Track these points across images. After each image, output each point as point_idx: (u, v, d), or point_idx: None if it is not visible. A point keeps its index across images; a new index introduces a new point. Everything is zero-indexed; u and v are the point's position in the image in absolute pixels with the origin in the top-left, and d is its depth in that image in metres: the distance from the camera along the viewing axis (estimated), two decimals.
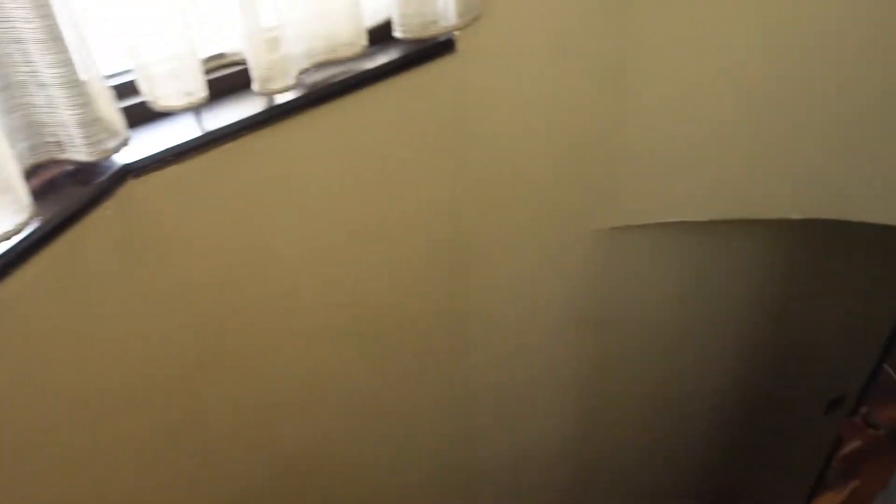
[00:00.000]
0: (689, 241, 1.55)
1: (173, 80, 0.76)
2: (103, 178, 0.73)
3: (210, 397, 1.02)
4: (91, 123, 0.68)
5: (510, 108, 1.11)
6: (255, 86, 0.82)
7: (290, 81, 0.84)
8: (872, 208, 1.31)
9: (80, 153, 0.69)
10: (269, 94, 0.85)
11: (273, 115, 0.86)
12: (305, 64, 0.88)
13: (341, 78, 0.91)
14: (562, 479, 1.93)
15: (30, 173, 0.70)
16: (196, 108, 0.81)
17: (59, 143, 0.70)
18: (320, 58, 0.89)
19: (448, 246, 1.22)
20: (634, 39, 1.13)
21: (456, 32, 0.97)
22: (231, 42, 0.85)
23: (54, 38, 0.62)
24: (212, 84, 0.80)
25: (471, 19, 0.94)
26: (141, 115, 0.80)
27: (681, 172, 1.31)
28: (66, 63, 0.64)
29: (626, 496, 2.24)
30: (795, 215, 1.36)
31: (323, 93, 0.89)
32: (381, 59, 0.95)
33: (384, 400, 1.35)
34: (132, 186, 0.77)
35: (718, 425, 2.24)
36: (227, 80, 0.87)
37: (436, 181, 1.12)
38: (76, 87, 0.65)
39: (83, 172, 0.74)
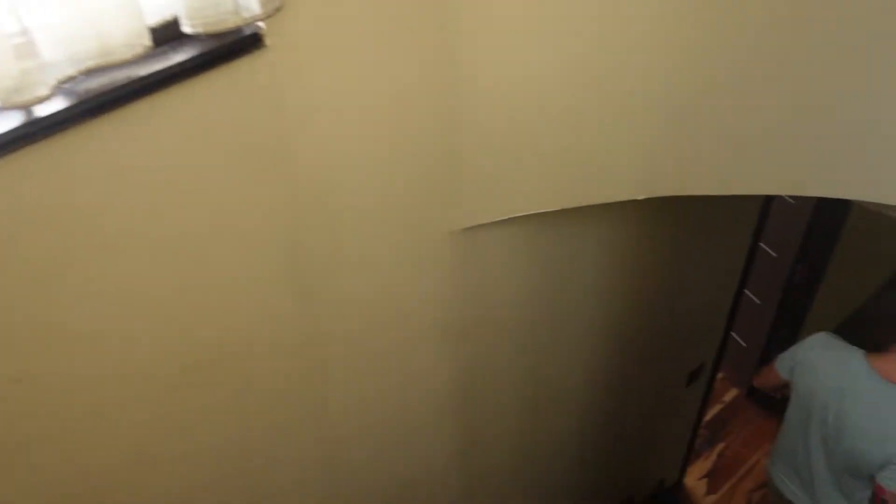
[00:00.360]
0: (544, 233, 1.51)
1: None
2: None
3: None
4: None
5: (335, 108, 0.99)
6: None
7: (45, 91, 0.67)
8: (711, 181, 1.34)
9: None
10: (19, 108, 0.68)
11: (33, 132, 0.69)
12: (71, 71, 0.72)
13: (122, 83, 0.75)
14: (449, 499, 1.83)
15: None
16: None
17: None
18: (91, 63, 0.74)
19: (288, 268, 1.08)
20: (462, 28, 1.06)
21: (261, 24, 0.85)
22: None
23: None
24: None
25: (274, 8, 0.82)
26: None
27: (522, 164, 1.26)
28: None
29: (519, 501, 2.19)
30: (641, 195, 1.36)
31: (97, 102, 0.73)
32: (174, 59, 0.80)
33: (246, 445, 1.20)
34: None
35: (596, 416, 2.25)
36: None
37: (261, 200, 0.98)
38: None
39: None
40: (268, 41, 0.86)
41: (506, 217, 1.33)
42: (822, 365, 1.91)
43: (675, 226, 1.95)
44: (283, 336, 1.15)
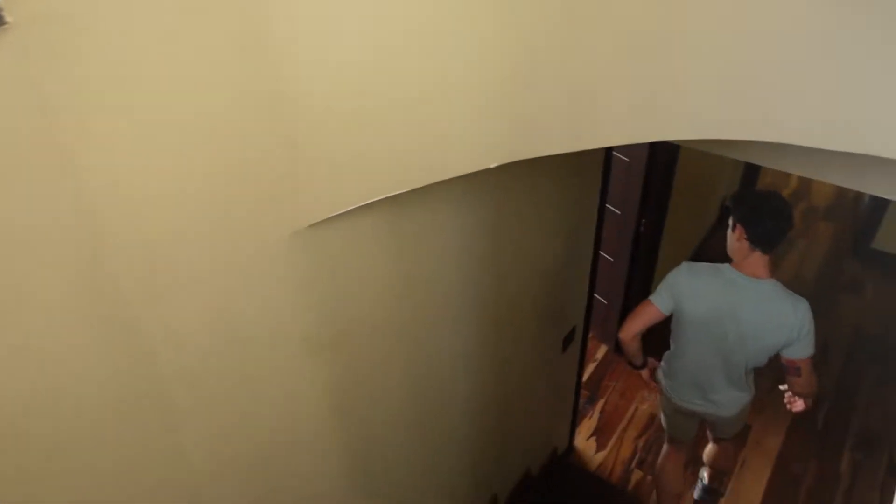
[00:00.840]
0: (400, 219, 1.40)
1: None
2: None
3: None
4: None
5: (122, 101, 0.81)
6: None
7: None
8: (558, 138, 1.29)
9: None
10: None
11: None
12: None
13: None
14: None
15: None
16: None
17: None
18: None
19: (97, 302, 0.88)
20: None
21: None
22: None
23: None
24: None
25: None
26: None
27: (364, 147, 1.14)
28: None
29: None
30: (493, 163, 1.29)
31: None
32: None
33: None
34: None
35: (482, 398, 2.19)
36: None
37: (39, 224, 0.78)
38: None
39: None
40: (8, 17, 0.67)
41: (353, 206, 1.20)
42: (703, 288, 2.15)
43: (529, 194, 1.92)
44: (106, 384, 0.95)
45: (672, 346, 2.42)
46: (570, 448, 3.48)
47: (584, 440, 3.55)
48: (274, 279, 1.15)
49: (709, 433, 2.86)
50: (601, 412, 3.70)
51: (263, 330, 1.18)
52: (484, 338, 2.03)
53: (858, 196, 5.11)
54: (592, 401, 3.76)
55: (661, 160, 3.14)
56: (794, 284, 2.57)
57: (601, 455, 3.48)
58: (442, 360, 1.86)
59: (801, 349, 2.12)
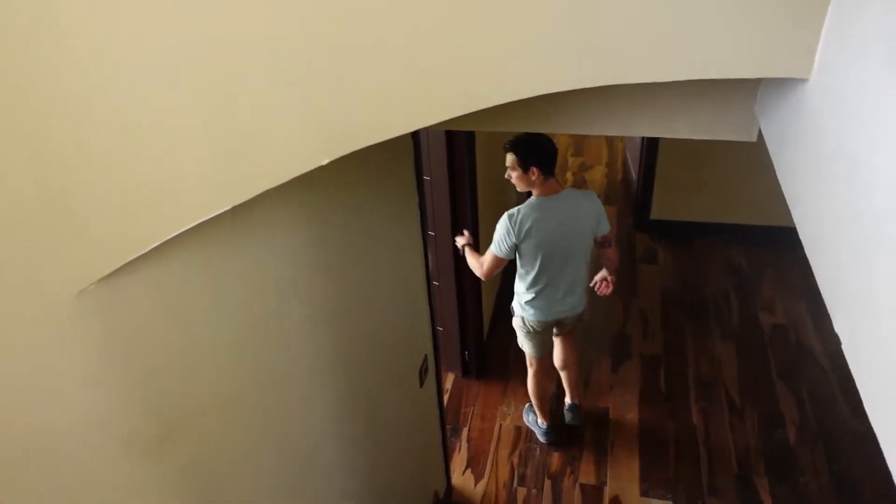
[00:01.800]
0: (216, 257, 1.11)
1: None
2: None
3: None
4: None
5: None
6: None
7: None
8: (389, 125, 1.12)
9: None
10: None
11: None
12: None
13: None
14: None
15: None
16: None
17: None
18: None
19: None
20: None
21: None
22: None
23: None
24: None
25: None
26: None
27: (152, 170, 0.86)
28: None
29: None
30: (325, 160, 1.07)
31: None
32: None
33: None
34: None
35: (351, 451, 1.90)
36: None
37: None
38: None
39: None
40: None
41: (149, 247, 0.90)
42: (537, 221, 2.71)
43: (355, 216, 1.72)
44: None
45: (526, 279, 2.89)
46: (450, 488, 3.25)
47: (460, 476, 3.35)
48: (65, 359, 0.80)
49: (557, 357, 3.41)
50: (468, 441, 3.54)
51: (67, 435, 0.82)
52: (344, 388, 1.75)
53: (627, 178, 5.63)
54: (456, 432, 3.58)
55: (458, 170, 3.11)
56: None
57: (481, 486, 3.30)
58: (300, 426, 1.55)
59: (605, 225, 2.85)
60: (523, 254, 2.79)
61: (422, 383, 2.59)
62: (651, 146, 4.74)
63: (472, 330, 3.71)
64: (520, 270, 2.90)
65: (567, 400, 3.59)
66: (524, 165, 2.63)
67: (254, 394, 1.31)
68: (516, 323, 3.12)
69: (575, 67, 1.15)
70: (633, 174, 5.24)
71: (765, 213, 4.86)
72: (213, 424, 1.17)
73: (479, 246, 3.72)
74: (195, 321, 1.08)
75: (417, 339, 2.52)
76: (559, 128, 1.87)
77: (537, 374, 3.32)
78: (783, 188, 1.32)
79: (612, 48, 1.10)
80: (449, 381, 3.87)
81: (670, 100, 1.76)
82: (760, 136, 1.65)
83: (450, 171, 3.02)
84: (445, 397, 3.75)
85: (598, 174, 5.97)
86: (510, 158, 2.67)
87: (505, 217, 2.72)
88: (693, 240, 4.96)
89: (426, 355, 2.62)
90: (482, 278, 2.92)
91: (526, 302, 2.97)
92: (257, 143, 0.97)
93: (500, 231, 2.74)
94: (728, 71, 1.21)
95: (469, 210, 3.22)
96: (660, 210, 5.01)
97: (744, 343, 3.98)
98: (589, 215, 2.79)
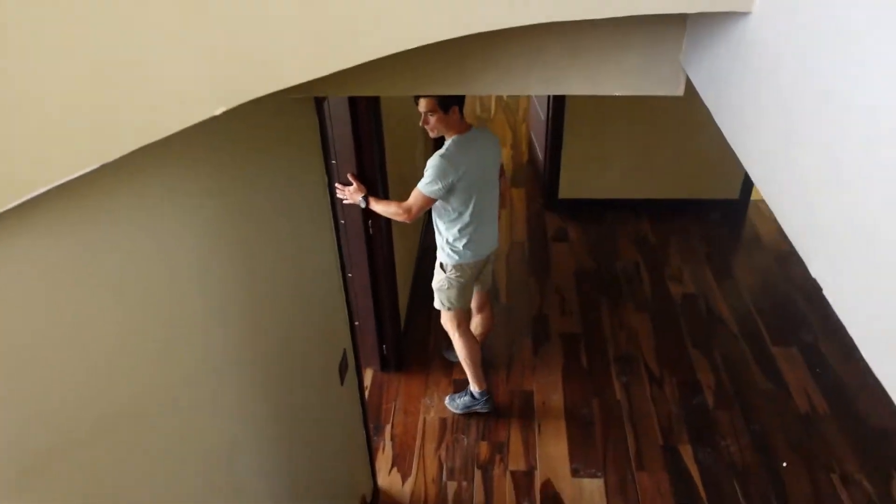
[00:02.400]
0: (87, 226, 0.89)
1: None
2: None
3: None
4: None
5: None
6: None
7: None
8: (288, 70, 0.93)
9: None
10: None
11: None
12: None
13: None
14: None
15: None
16: None
17: None
18: None
19: None
20: None
21: None
22: None
23: None
24: None
25: None
26: None
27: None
28: None
29: None
30: (220, 108, 0.86)
31: None
32: None
33: None
34: None
35: (275, 459, 1.69)
36: None
37: None
38: None
39: None
40: None
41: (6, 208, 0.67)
42: (463, 160, 2.76)
43: (259, 194, 1.50)
44: None
45: (460, 220, 2.89)
46: (377, 491, 3.07)
47: (386, 476, 3.17)
48: None
49: (474, 304, 3.37)
50: (392, 438, 3.36)
51: None
52: (260, 389, 1.54)
53: (532, 159, 5.62)
54: (379, 430, 3.40)
55: (365, 151, 2.92)
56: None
57: (409, 484, 3.14)
58: (211, 435, 1.33)
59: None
60: (457, 193, 2.80)
61: (342, 380, 2.39)
62: (556, 125, 4.73)
63: (388, 321, 3.53)
64: (450, 215, 2.89)
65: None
66: (445, 106, 2.66)
67: (151, 405, 1.09)
68: (448, 276, 3.04)
69: (502, 5, 1.02)
70: (540, 154, 5.22)
71: (667, 186, 4.97)
72: (96, 450, 0.94)
73: (395, 271, 3.55)
74: (64, 318, 0.85)
75: (335, 334, 2.32)
76: (481, 88, 1.72)
77: (466, 331, 3.27)
78: (728, 136, 1.24)
79: None
80: (368, 376, 3.67)
81: (593, 54, 1.65)
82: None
83: (357, 153, 2.82)
84: (366, 394, 3.56)
85: (503, 157, 5.92)
86: (427, 103, 2.66)
87: (438, 158, 2.72)
88: (602, 216, 5.01)
89: (345, 350, 2.42)
90: (406, 221, 2.87)
91: (463, 246, 2.96)
92: (133, 83, 0.76)
93: (434, 172, 2.73)
94: (665, 5, 1.10)
95: (381, 193, 3.04)
96: (568, 189, 5.02)
97: (657, 314, 4.03)
98: (494, 148, 2.98)
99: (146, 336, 1.06)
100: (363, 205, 2.91)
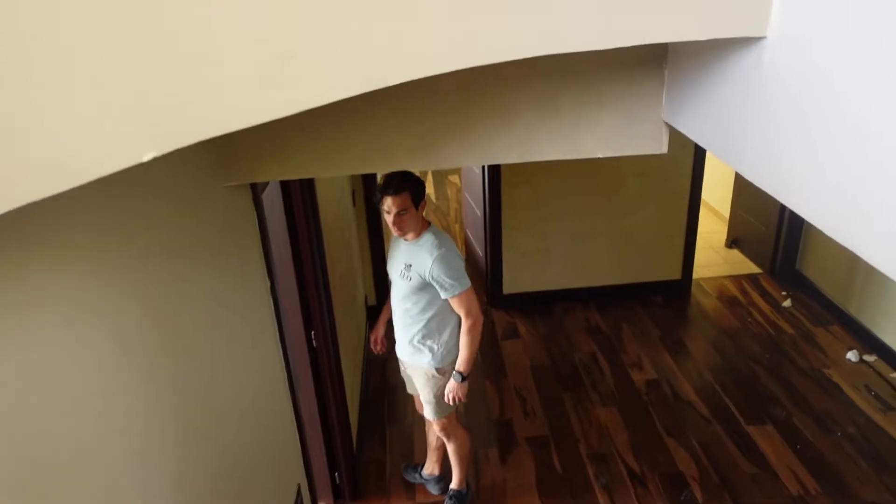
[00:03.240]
0: None
1: None
2: None
3: None
4: None
5: None
6: None
7: None
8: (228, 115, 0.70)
9: None
10: None
11: None
12: None
13: None
14: None
15: None
16: None
17: None
18: None
19: None
20: None
21: None
22: None
23: None
24: None
25: None
26: None
27: None
28: None
29: None
30: (148, 155, 0.62)
31: None
32: None
33: None
34: None
35: None
36: None
37: None
38: None
39: None
40: None
41: None
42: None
43: (199, 298, 1.22)
44: None
45: (453, 315, 2.67)
46: None
47: None
48: None
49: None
50: None
51: None
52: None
53: (472, 257, 5.48)
54: None
55: (302, 246, 2.66)
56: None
57: None
58: None
59: None
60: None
61: None
62: (494, 219, 4.63)
63: (340, 446, 3.14)
64: (441, 315, 2.65)
65: (437, 471, 3.33)
66: (417, 200, 2.45)
67: None
68: (443, 384, 2.76)
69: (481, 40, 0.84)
70: (479, 251, 5.09)
71: (611, 272, 4.91)
72: None
73: (344, 387, 3.24)
74: None
75: (287, 467, 1.96)
76: (446, 160, 1.53)
77: (466, 433, 3.07)
78: (754, 177, 1.08)
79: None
80: None
81: (569, 116, 1.51)
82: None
83: (293, 246, 2.56)
84: None
85: None
86: (402, 200, 2.41)
87: (450, 253, 2.53)
88: (550, 308, 4.85)
89: (299, 486, 2.05)
90: (480, 325, 2.67)
91: (453, 345, 2.74)
92: (37, 120, 0.50)
93: (456, 262, 2.55)
94: (673, 32, 0.96)
95: (323, 292, 2.76)
96: (512, 284, 4.87)
97: (625, 405, 3.81)
98: None
99: (40, 468, 0.73)
100: (463, 376, 2.68)
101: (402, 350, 2.81)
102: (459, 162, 1.53)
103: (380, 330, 3.03)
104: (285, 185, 2.47)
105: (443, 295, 2.56)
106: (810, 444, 3.43)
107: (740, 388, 3.89)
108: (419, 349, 2.73)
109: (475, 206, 5.05)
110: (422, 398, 2.86)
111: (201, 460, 1.24)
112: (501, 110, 1.49)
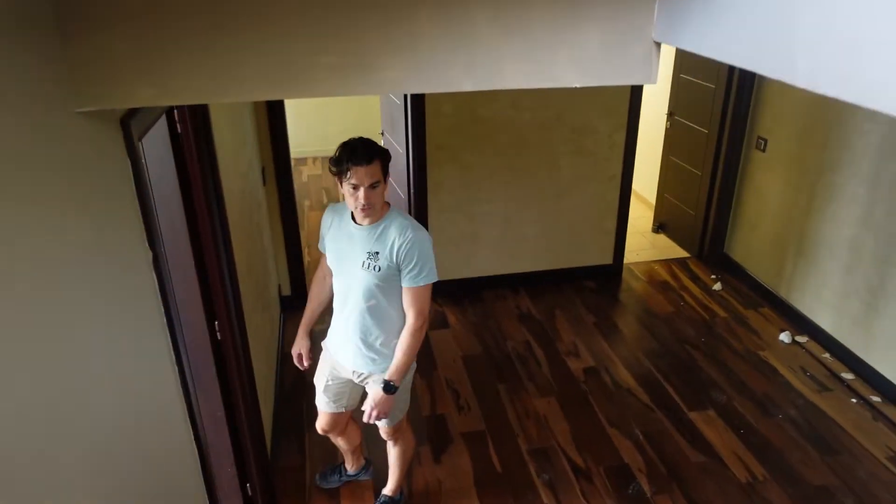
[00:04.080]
0: None
1: None
2: None
3: None
4: None
5: None
6: None
7: None
8: None
9: None
10: None
11: None
12: None
13: None
14: None
15: None
16: None
17: None
18: None
19: None
20: None
21: None
22: None
23: None
24: None
25: None
26: None
27: None
28: None
29: None
30: None
31: None
32: None
33: None
34: None
35: None
36: None
37: None
38: None
39: None
40: None
41: None
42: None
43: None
44: None
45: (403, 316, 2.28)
46: None
47: None
48: None
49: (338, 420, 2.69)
50: None
51: None
52: None
53: None
54: None
55: (200, 210, 2.25)
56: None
57: None
58: None
59: None
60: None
61: None
62: (420, 203, 4.30)
63: (252, 453, 2.73)
64: (397, 314, 2.29)
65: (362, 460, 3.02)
66: (386, 172, 2.11)
67: None
68: (408, 379, 2.43)
69: None
70: None
71: (541, 258, 4.69)
72: None
73: (256, 389, 2.83)
74: None
75: (177, 480, 1.56)
76: (389, 84, 1.19)
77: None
78: (817, 83, 0.80)
79: None
80: None
81: (539, 34, 1.20)
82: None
83: (189, 217, 2.14)
84: None
85: None
86: (374, 170, 2.03)
87: (423, 234, 2.16)
88: (479, 296, 4.58)
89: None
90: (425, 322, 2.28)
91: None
92: None
93: (431, 252, 2.18)
94: None
95: (227, 277, 2.34)
96: (439, 271, 4.55)
97: (563, 395, 3.58)
98: None
99: None
100: (396, 388, 2.27)
101: (357, 359, 2.35)
102: (399, 87, 1.19)
103: (304, 342, 2.53)
104: (176, 140, 2.04)
105: (409, 283, 2.17)
106: (753, 428, 3.30)
107: (679, 374, 3.74)
108: (382, 353, 2.32)
109: (397, 187, 4.71)
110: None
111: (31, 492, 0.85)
112: (457, 22, 1.16)
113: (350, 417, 2.67)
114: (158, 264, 1.47)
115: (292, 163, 4.35)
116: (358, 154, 2.00)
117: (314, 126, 7.28)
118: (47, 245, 0.97)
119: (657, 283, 4.79)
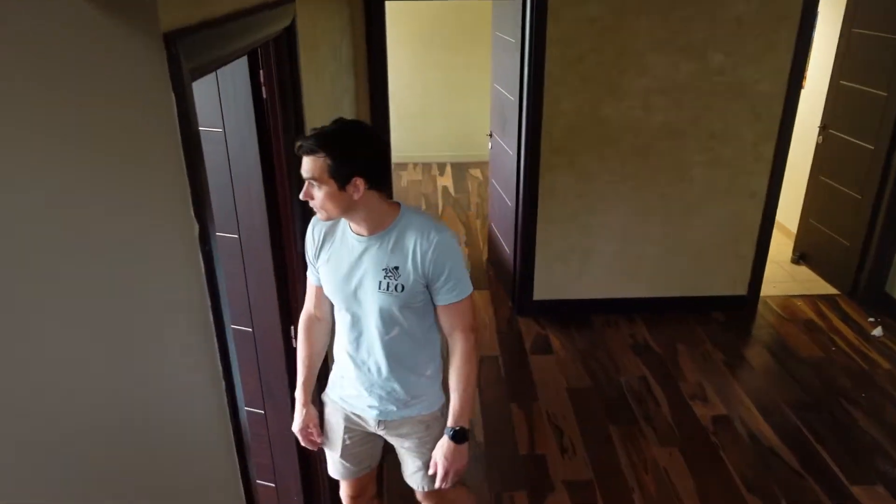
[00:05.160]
0: None
1: None
2: None
3: None
4: None
5: None
6: None
7: None
8: None
9: None
10: None
11: None
12: None
13: None
14: None
15: None
16: None
17: None
18: None
19: None
20: None
21: None
22: None
23: None
24: None
25: None
26: None
27: None
28: None
29: None
30: None
31: None
32: None
33: None
34: None
35: None
36: None
37: None
38: None
39: None
40: None
41: None
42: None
43: None
44: None
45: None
46: None
47: None
48: None
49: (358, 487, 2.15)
50: None
51: None
52: None
53: (497, 257, 4.70)
54: None
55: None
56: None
57: None
58: None
59: None
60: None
61: None
62: (528, 212, 3.85)
63: (321, 481, 2.35)
64: (432, 334, 1.83)
65: None
66: (342, 177, 1.56)
67: None
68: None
69: None
70: (507, 249, 4.30)
71: (662, 282, 4.11)
72: None
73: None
74: None
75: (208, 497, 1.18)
76: None
77: None
78: None
79: None
80: None
81: None
82: None
83: (268, 196, 1.80)
84: None
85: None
86: (313, 164, 1.55)
87: (449, 231, 1.70)
88: (588, 320, 4.05)
89: None
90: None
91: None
92: None
93: (460, 250, 1.73)
94: None
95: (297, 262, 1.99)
96: (544, 289, 4.08)
97: (689, 446, 3.00)
98: None
99: None
100: (467, 432, 1.78)
101: (385, 405, 1.83)
102: None
103: (310, 411, 1.92)
104: (259, 106, 1.71)
105: (447, 300, 1.70)
106: None
107: (835, 434, 3.07)
108: (417, 391, 1.83)
109: (505, 194, 4.28)
110: (420, 461, 1.91)
111: None
112: None
113: (375, 477, 2.15)
114: (206, 240, 1.10)
115: (392, 167, 4.02)
116: (308, 140, 1.54)
117: (415, 131, 7.01)
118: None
119: (800, 322, 4.09)
